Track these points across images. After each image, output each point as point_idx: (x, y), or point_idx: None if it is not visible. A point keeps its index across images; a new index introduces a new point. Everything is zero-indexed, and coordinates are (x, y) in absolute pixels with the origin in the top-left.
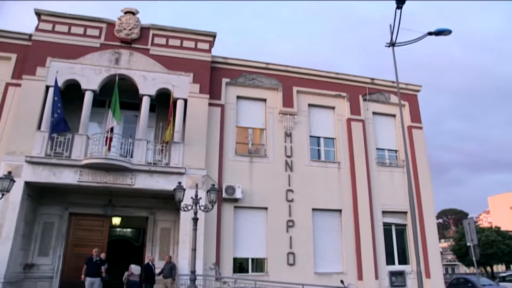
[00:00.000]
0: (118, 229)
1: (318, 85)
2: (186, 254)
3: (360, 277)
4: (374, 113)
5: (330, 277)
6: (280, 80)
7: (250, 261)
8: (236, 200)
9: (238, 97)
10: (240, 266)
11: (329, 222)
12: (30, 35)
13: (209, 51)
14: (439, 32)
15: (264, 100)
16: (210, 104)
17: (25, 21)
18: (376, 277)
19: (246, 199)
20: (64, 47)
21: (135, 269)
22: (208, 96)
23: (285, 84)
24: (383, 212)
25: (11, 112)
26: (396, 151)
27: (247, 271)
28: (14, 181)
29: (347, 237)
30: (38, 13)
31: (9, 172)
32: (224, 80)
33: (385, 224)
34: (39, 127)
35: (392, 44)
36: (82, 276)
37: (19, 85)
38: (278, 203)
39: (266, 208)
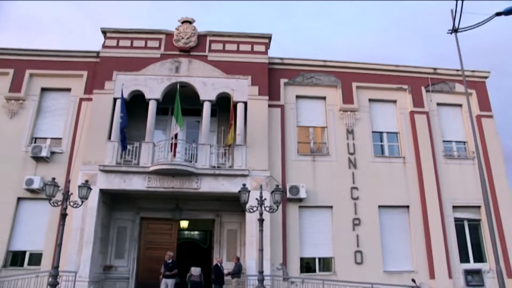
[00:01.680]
0: (186, 232)
1: (378, 79)
2: (253, 254)
3: (432, 275)
4: (438, 104)
5: (400, 276)
6: (339, 77)
7: (317, 260)
8: (300, 200)
9: (297, 97)
10: (307, 266)
11: (397, 219)
12: (98, 52)
13: (265, 53)
14: (509, 11)
15: (324, 98)
16: (269, 106)
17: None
18: (450, 276)
19: (310, 199)
20: (128, 61)
21: (195, 270)
22: (267, 97)
23: (344, 80)
24: (454, 207)
25: (85, 125)
26: (464, 142)
27: (314, 271)
28: (91, 189)
29: (416, 234)
30: (104, 31)
31: (86, 181)
32: (282, 81)
33: (456, 219)
34: (109, 137)
35: (454, 30)
36: (161, 276)
37: (90, 99)
38: (343, 201)
39: (331, 207)
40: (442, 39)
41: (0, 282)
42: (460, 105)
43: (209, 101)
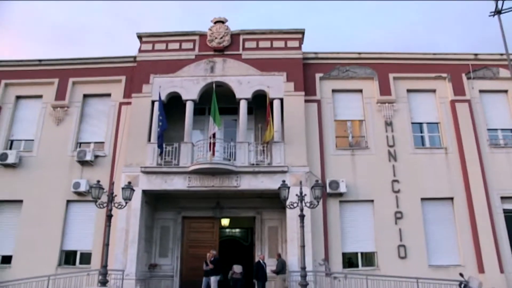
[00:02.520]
0: (227, 230)
1: (416, 69)
2: (295, 251)
3: (481, 269)
4: (481, 91)
5: (447, 270)
6: (375, 69)
7: (359, 255)
8: (340, 194)
9: (334, 91)
10: (349, 261)
11: (441, 212)
12: (135, 57)
13: (299, 48)
14: None
15: (360, 90)
16: (306, 101)
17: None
18: (501, 271)
19: (350, 193)
20: (164, 63)
21: (237, 268)
22: (303, 93)
23: (380, 72)
24: (502, 198)
25: (125, 128)
26: (511, 130)
27: (356, 266)
28: (134, 190)
29: (462, 226)
30: (140, 36)
31: (129, 183)
32: (318, 75)
33: (506, 211)
34: (149, 139)
35: (497, 12)
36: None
37: (129, 103)
38: (384, 194)
39: (372, 201)
40: (483, 22)
41: (56, 279)
42: (506, 91)
43: (245, 99)
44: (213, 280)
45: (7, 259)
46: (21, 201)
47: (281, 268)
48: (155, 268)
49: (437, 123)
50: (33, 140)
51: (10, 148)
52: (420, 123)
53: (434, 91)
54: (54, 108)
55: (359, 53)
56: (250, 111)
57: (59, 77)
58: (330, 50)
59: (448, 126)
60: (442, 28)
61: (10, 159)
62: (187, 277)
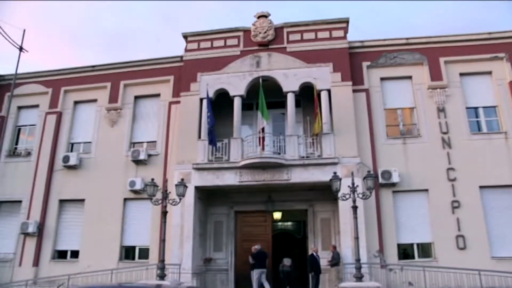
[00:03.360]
0: (279, 223)
1: (469, 51)
2: (349, 243)
3: None
4: None
5: None
6: (424, 53)
7: (415, 246)
8: (393, 184)
9: (382, 79)
10: (404, 252)
11: (503, 200)
12: (181, 57)
13: (344, 37)
14: None
15: (410, 77)
16: (354, 91)
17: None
18: None
19: (404, 183)
20: (210, 61)
21: (286, 261)
22: (350, 83)
23: (430, 56)
24: None
25: (176, 127)
26: None
27: (412, 257)
28: (187, 187)
29: None
30: (185, 36)
31: (182, 179)
32: (365, 64)
33: None
34: (199, 136)
35: None
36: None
37: (178, 102)
38: (439, 183)
39: (427, 190)
40: None
41: (118, 272)
42: None
43: (293, 92)
44: (255, 273)
45: (75, 254)
46: (83, 200)
47: (338, 260)
48: (210, 262)
49: (494, 106)
50: (90, 142)
51: (71, 151)
52: (476, 108)
53: (490, 73)
54: (108, 110)
55: (407, 39)
56: (297, 104)
57: (111, 81)
58: (375, 37)
59: (507, 109)
60: (493, 4)
61: (72, 161)
62: (242, 270)
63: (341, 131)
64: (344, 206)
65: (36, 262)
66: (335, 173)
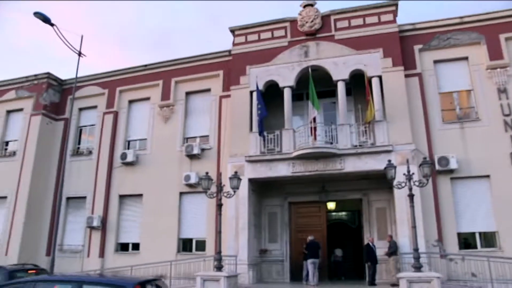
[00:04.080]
0: (333, 214)
1: None
2: (405, 232)
3: None
4: None
5: None
6: (481, 32)
7: (477, 235)
8: (451, 171)
9: (435, 62)
10: (465, 241)
11: None
12: (229, 51)
13: (393, 21)
14: None
15: (466, 58)
16: (406, 76)
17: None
18: None
19: (462, 169)
20: (258, 54)
21: (338, 251)
22: (402, 67)
23: (488, 34)
24: None
25: (227, 120)
26: None
27: (474, 247)
28: (241, 179)
29: None
30: (232, 30)
31: (236, 172)
32: (416, 47)
33: None
34: (251, 129)
35: None
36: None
37: (229, 96)
38: (502, 169)
39: (488, 176)
40: None
41: (177, 264)
42: None
43: (343, 80)
44: (308, 263)
45: (136, 246)
46: (141, 195)
47: (395, 250)
48: (266, 253)
49: None
50: (146, 139)
51: (128, 148)
52: None
53: None
54: (161, 108)
55: (461, 18)
56: (348, 92)
57: (162, 78)
58: (426, 19)
59: None
60: None
61: (129, 158)
62: (297, 261)
63: (394, 118)
64: (400, 195)
65: (102, 254)
66: (389, 161)
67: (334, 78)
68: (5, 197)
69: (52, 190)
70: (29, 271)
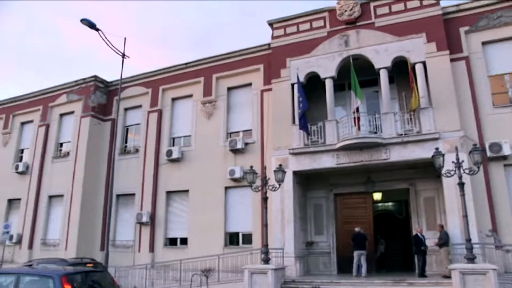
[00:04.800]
0: (380, 204)
1: None
2: (456, 222)
3: None
4: None
5: None
6: None
7: None
8: (504, 157)
9: (484, 43)
10: None
11: None
12: (269, 44)
13: (437, 3)
14: None
15: None
16: (452, 60)
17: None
18: None
19: None
20: (297, 46)
21: (381, 242)
22: (447, 52)
23: None
24: None
25: (269, 114)
26: None
27: None
28: (285, 172)
29: None
30: (271, 23)
31: (280, 165)
32: (462, 30)
33: None
34: (293, 122)
35: None
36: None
37: (270, 89)
38: None
39: None
40: None
41: (224, 257)
42: None
43: (385, 68)
44: (355, 254)
45: (184, 241)
46: (187, 191)
47: (446, 240)
48: (312, 246)
49: None
50: (190, 135)
51: (173, 145)
52: None
53: None
54: (203, 104)
55: None
56: (391, 80)
57: (204, 75)
58: None
59: None
60: None
61: (174, 155)
62: (344, 253)
63: (440, 104)
64: (449, 183)
65: (152, 248)
66: (437, 149)
67: (376, 66)
68: (61, 196)
69: (103, 188)
70: (87, 264)
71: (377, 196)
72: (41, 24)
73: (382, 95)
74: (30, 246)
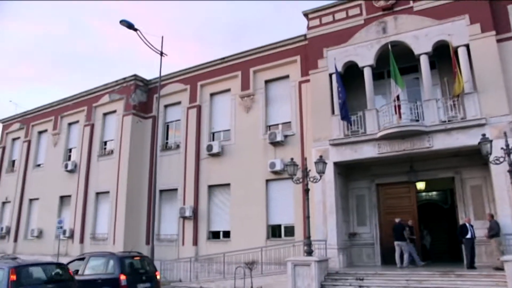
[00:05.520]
0: (424, 194)
1: None
2: (507, 211)
3: None
4: None
5: None
6: None
7: None
8: None
9: None
10: None
11: None
12: (305, 35)
13: None
14: None
15: None
16: (498, 41)
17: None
18: None
19: None
20: (334, 35)
21: (425, 233)
22: (493, 32)
23: None
24: None
25: (308, 105)
26: None
27: None
28: (326, 163)
29: None
30: (306, 14)
31: (320, 156)
32: (511, 8)
33: None
34: (333, 112)
35: None
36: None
37: (308, 80)
38: None
39: None
40: None
41: (267, 250)
42: None
43: (425, 53)
44: (395, 245)
45: (226, 234)
46: (228, 185)
47: (497, 231)
48: (355, 237)
49: None
50: (229, 130)
51: (213, 140)
52: None
53: None
54: (241, 98)
55: None
56: (432, 66)
57: (241, 69)
58: None
59: None
60: None
61: (215, 149)
62: (388, 243)
63: (486, 88)
64: (498, 171)
65: (195, 242)
66: (483, 135)
67: (416, 52)
68: (107, 192)
69: (147, 184)
70: (135, 258)
71: (421, 185)
72: (81, 27)
73: (423, 82)
74: (81, 240)
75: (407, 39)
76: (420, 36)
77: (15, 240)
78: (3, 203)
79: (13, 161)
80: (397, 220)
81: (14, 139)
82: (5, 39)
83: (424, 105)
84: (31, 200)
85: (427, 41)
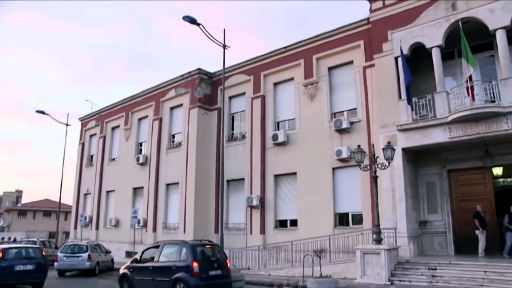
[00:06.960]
0: (501, 180)
1: None
2: None
3: None
4: None
5: None
6: None
7: None
8: None
9: None
10: None
11: None
12: (368, 19)
13: None
14: None
15: None
16: None
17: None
18: None
19: None
20: (398, 17)
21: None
22: None
23: None
24: None
25: (374, 91)
26: None
27: None
28: (394, 150)
29: None
30: None
31: (388, 143)
32: None
33: None
34: (399, 97)
35: None
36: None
37: (372, 65)
38: None
39: None
40: None
41: (335, 238)
42: None
43: (503, 28)
44: (478, 233)
45: (293, 223)
46: (295, 173)
47: None
48: (426, 225)
49: None
50: (294, 118)
51: (278, 129)
52: None
53: None
54: (305, 86)
55: None
56: (510, 41)
57: (303, 57)
58: None
59: None
60: None
61: (280, 138)
62: (462, 232)
63: None
64: None
65: (263, 230)
66: None
67: (491, 27)
68: (177, 183)
69: (214, 174)
70: (206, 246)
71: (498, 171)
72: (149, 27)
73: (500, 59)
74: (154, 229)
75: (480, 14)
76: (496, 9)
77: (97, 228)
78: (85, 194)
79: (91, 156)
80: (478, 207)
81: (91, 136)
82: (80, 44)
83: (501, 84)
84: (108, 192)
85: (504, 14)
